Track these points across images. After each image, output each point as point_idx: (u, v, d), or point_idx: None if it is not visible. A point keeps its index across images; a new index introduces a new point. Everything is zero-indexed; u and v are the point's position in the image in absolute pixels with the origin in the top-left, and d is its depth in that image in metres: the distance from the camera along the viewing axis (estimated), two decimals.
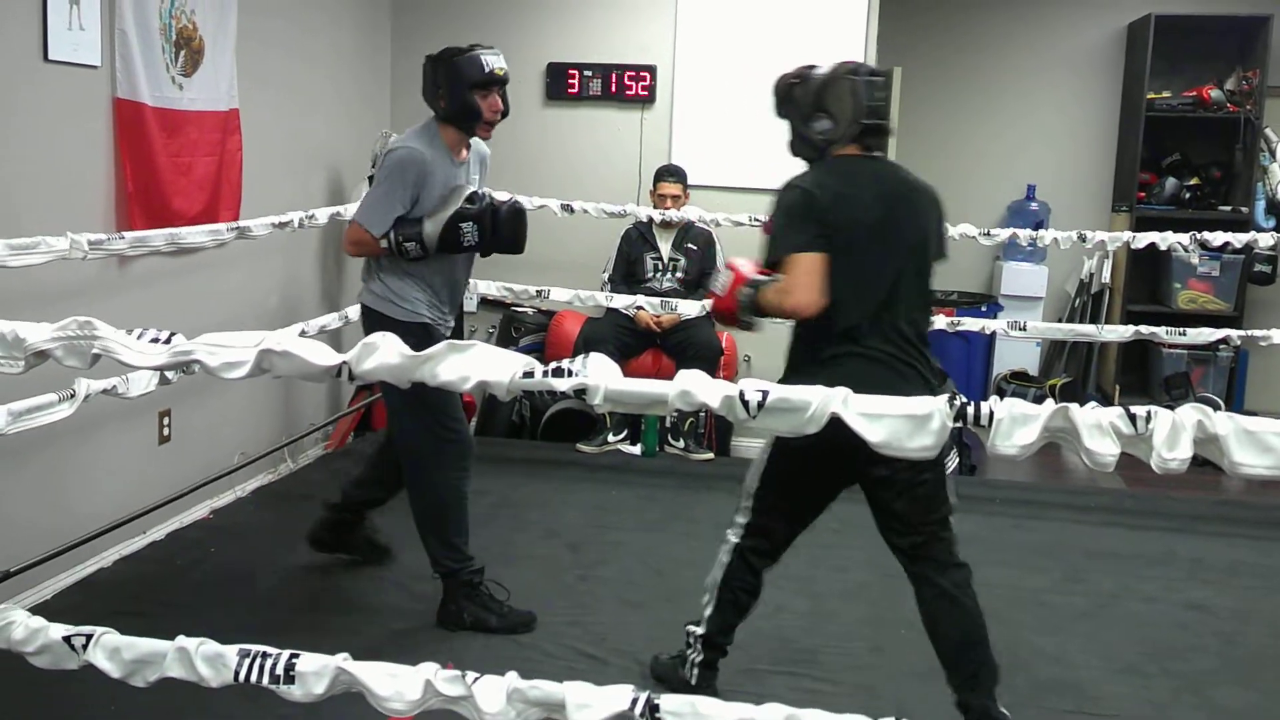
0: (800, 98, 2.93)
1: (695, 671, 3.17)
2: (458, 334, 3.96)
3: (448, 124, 3.71)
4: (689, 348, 5.65)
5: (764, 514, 3.08)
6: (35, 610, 2.69)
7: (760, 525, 3.09)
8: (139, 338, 1.89)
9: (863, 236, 2.83)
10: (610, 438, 5.85)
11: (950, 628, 2.97)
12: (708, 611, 3.15)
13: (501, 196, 3.82)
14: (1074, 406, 1.80)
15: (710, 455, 5.81)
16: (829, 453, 2.67)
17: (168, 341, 1.88)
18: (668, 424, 5.86)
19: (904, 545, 2.99)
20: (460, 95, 3.63)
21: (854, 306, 2.83)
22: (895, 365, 2.86)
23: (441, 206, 3.60)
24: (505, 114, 3.75)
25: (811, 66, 2.96)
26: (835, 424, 1.88)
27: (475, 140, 3.85)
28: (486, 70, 3.62)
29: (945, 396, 1.85)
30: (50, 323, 1.97)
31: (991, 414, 1.81)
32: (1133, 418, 1.76)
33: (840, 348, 2.84)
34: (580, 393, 1.88)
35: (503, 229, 3.68)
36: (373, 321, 3.67)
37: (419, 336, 3.35)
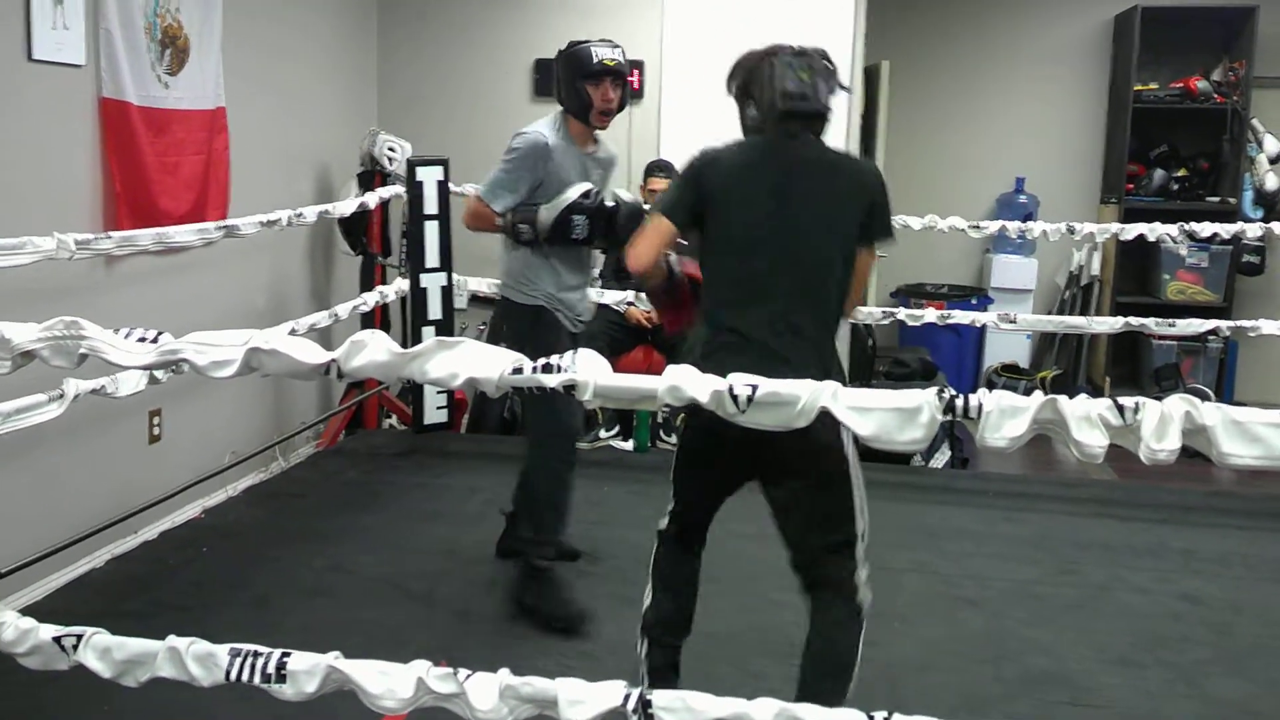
0: (735, 87, 2.84)
1: (645, 678, 2.90)
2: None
3: (569, 115, 3.83)
4: (681, 343, 5.63)
5: (678, 498, 2.98)
6: (27, 611, 2.68)
7: (677, 510, 2.98)
8: (126, 337, 1.88)
9: (744, 216, 2.70)
10: (602, 434, 5.86)
11: (819, 664, 2.76)
12: (645, 602, 2.98)
13: (625, 195, 3.88)
14: (1062, 398, 1.80)
15: None
16: (718, 446, 2.74)
17: (155, 341, 1.87)
18: (659, 419, 5.86)
19: (796, 561, 2.78)
20: (573, 86, 3.77)
21: (731, 288, 2.72)
22: (767, 355, 2.61)
23: (557, 196, 3.70)
24: (622, 106, 3.82)
25: (751, 52, 2.82)
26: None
27: (606, 146, 3.97)
28: (596, 61, 3.73)
29: (934, 389, 1.85)
30: (37, 323, 1.96)
31: (980, 406, 1.81)
32: (1121, 409, 1.76)
33: (721, 336, 2.71)
34: (570, 388, 1.87)
35: (621, 228, 3.72)
36: (500, 305, 3.97)
37: (534, 319, 3.77)
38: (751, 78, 2.76)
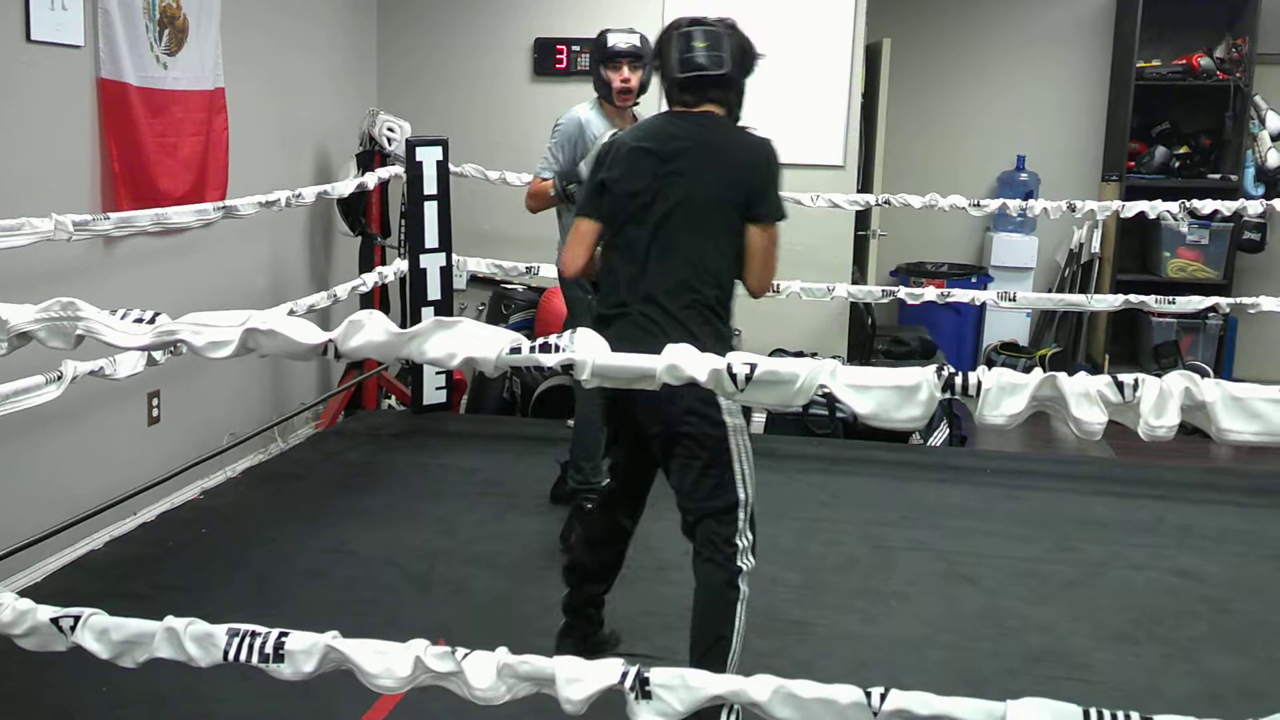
0: (654, 66, 2.99)
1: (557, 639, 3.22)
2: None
3: (601, 97, 4.26)
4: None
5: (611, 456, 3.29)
6: (27, 592, 2.68)
7: (612, 467, 3.26)
8: (123, 318, 1.87)
9: (633, 191, 2.83)
10: None
11: (694, 627, 2.84)
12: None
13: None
14: (1062, 375, 1.79)
15: None
16: (614, 405, 2.99)
17: (152, 322, 1.87)
18: None
19: (684, 525, 2.91)
20: (597, 71, 4.23)
21: (620, 264, 2.87)
22: (638, 326, 2.79)
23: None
24: (644, 87, 4.24)
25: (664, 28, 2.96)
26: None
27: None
28: (610, 46, 4.17)
29: (933, 367, 1.84)
30: (35, 304, 1.95)
31: (979, 384, 1.81)
32: (1120, 386, 1.75)
33: (612, 308, 2.87)
34: (568, 368, 1.87)
35: None
36: (568, 305, 4.29)
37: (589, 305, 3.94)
38: (660, 48, 2.88)
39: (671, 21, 2.89)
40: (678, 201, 2.79)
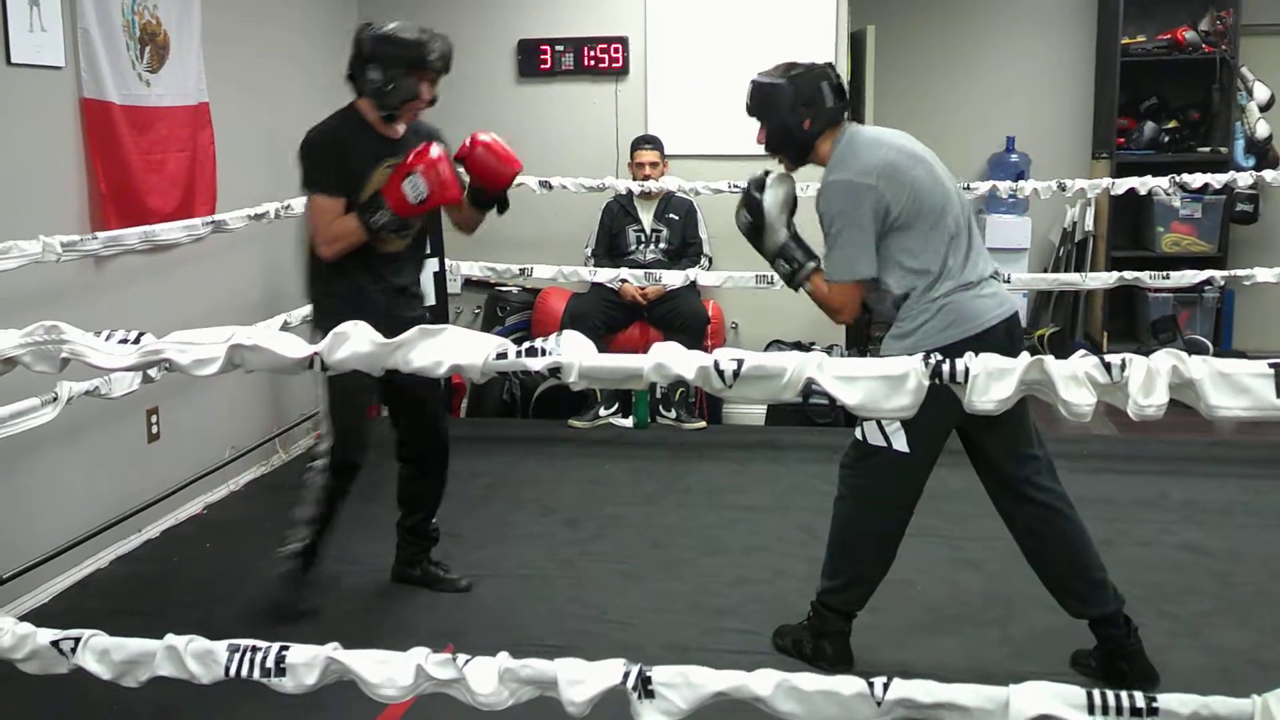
0: None
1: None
2: None
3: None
4: (675, 318, 5.64)
5: None
6: (34, 613, 2.68)
7: None
8: (107, 339, 1.87)
9: None
10: (602, 412, 5.85)
11: None
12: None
13: None
14: (1049, 359, 1.79)
15: (702, 424, 5.80)
16: None
17: (136, 341, 1.87)
18: (659, 395, 5.85)
19: None
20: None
21: None
22: None
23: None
24: (771, 144, 3.34)
25: None
26: None
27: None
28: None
29: (919, 356, 1.84)
30: (19, 329, 1.95)
31: (967, 370, 1.81)
32: (1108, 366, 1.75)
33: None
34: (554, 371, 1.87)
35: None
36: None
37: None
38: None
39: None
40: None
